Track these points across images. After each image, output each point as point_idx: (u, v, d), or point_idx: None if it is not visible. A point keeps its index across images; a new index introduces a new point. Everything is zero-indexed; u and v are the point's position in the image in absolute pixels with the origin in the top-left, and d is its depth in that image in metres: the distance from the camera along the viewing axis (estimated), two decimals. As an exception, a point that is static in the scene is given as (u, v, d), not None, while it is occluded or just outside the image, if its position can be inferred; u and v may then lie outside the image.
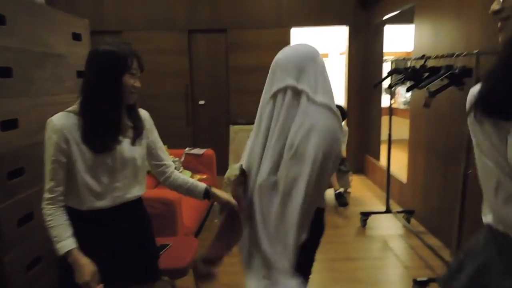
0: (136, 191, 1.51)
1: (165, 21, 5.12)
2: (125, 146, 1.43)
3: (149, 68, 5.58)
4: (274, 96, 1.35)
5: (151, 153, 1.57)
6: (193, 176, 3.87)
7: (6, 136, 1.78)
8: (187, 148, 4.14)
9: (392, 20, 4.58)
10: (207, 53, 5.30)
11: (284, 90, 1.32)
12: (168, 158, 1.64)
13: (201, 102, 5.36)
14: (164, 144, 4.18)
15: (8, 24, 1.81)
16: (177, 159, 3.86)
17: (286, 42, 5.13)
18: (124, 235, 1.48)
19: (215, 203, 4.06)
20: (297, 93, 1.30)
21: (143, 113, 1.58)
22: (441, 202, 3.21)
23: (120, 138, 1.42)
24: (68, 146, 1.33)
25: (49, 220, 1.33)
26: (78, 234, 1.36)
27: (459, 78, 2.38)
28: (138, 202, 1.56)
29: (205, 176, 3.90)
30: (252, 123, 5.11)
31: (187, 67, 5.22)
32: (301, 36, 6.69)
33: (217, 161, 4.20)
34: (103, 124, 1.36)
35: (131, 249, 1.50)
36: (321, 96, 1.29)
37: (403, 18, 4.18)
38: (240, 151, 4.48)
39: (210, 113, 5.40)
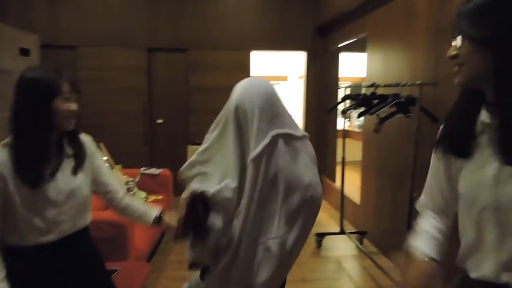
0: (84, 220, 1.46)
1: (124, 38, 5.05)
2: (66, 177, 1.37)
3: (106, 85, 5.53)
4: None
5: (96, 180, 1.51)
6: (148, 197, 3.76)
7: None
8: (142, 168, 4.03)
9: (347, 48, 4.81)
10: (167, 72, 5.27)
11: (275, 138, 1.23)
12: (115, 183, 1.57)
13: (160, 121, 5.28)
14: (119, 163, 4.07)
15: None
16: (131, 179, 3.74)
17: (246, 64, 5.22)
18: (73, 266, 1.41)
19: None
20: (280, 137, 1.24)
21: (85, 138, 1.52)
22: (392, 224, 3.33)
23: (59, 168, 1.35)
24: (4, 183, 1.25)
25: None
26: (22, 271, 1.28)
27: (405, 106, 2.53)
28: (85, 230, 1.50)
29: (160, 197, 3.81)
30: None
31: (146, 85, 5.14)
32: (261, 59, 6.86)
33: (174, 182, 4.12)
34: (33, 155, 1.29)
35: (81, 279, 1.43)
36: (295, 128, 1.29)
37: (357, 47, 4.41)
38: (198, 172, 4.42)
39: (168, 132, 5.32)
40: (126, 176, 3.74)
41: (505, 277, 0.88)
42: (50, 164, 1.33)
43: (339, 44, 4.74)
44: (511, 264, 0.87)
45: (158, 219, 1.56)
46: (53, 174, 1.33)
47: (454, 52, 0.90)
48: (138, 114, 5.15)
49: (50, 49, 4.83)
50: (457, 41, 0.90)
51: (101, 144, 3.82)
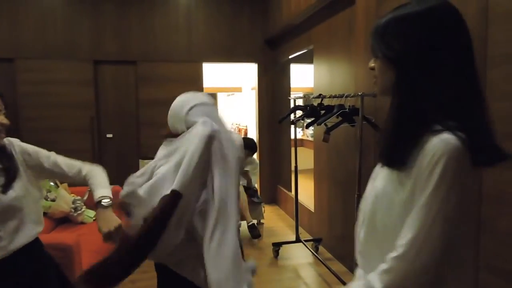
0: (24, 238, 1.36)
1: (67, 50, 4.84)
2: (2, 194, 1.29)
3: (50, 100, 5.24)
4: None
5: (54, 173, 1.42)
6: (98, 216, 3.59)
7: None
8: (91, 186, 3.85)
9: (297, 60, 4.96)
10: (115, 85, 5.11)
11: None
12: (74, 164, 1.53)
13: (109, 136, 5.10)
14: (66, 180, 3.84)
15: None
16: (79, 198, 3.56)
17: (198, 76, 5.21)
18: (24, 282, 1.33)
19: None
20: None
21: (13, 143, 1.43)
22: (344, 230, 3.44)
23: None
24: None
25: None
26: None
27: (350, 116, 2.65)
28: (33, 245, 1.41)
29: (111, 215, 3.65)
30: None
31: (93, 99, 4.95)
32: (215, 70, 6.87)
33: (125, 198, 3.98)
34: None
35: None
36: None
37: (307, 58, 4.56)
38: (151, 187, 4.31)
39: (118, 147, 5.14)
40: (73, 194, 3.55)
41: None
42: None
43: (288, 56, 4.87)
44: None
45: (98, 203, 1.49)
46: None
47: (371, 65, 0.97)
48: (85, 129, 4.94)
49: (-16, 62, 4.52)
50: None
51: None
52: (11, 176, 1.34)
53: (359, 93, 2.38)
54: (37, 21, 4.74)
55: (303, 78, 6.59)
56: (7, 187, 1.32)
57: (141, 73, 5.05)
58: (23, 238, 1.35)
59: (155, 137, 5.02)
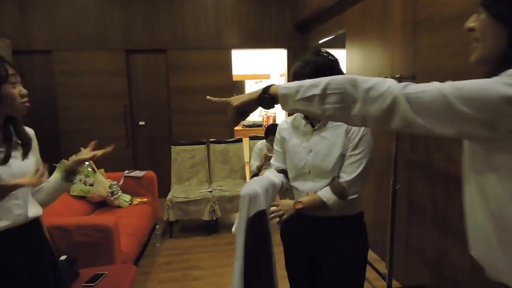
0: (36, 209, 1.44)
1: (100, 41, 4.96)
2: (18, 162, 1.37)
3: (84, 90, 5.42)
4: None
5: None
6: (133, 200, 3.72)
7: None
8: (126, 171, 3.98)
9: (327, 45, 4.85)
10: (147, 73, 5.21)
11: None
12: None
13: (141, 123, 5.22)
14: (102, 167, 4.01)
15: None
16: (115, 182, 3.69)
17: (227, 63, 5.21)
18: (23, 260, 1.38)
19: (157, 226, 3.91)
20: None
21: (30, 131, 1.50)
22: (377, 217, 3.39)
23: (11, 153, 1.34)
24: None
25: None
26: None
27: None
28: (38, 221, 1.48)
29: (145, 199, 3.77)
30: (194, 143, 5.11)
31: (126, 88, 5.07)
32: (243, 57, 6.86)
33: (159, 183, 4.09)
34: None
35: (32, 275, 1.40)
36: None
37: (337, 43, 4.45)
38: (182, 172, 4.41)
39: (150, 134, 5.26)
40: (109, 180, 3.68)
41: None
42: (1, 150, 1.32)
43: (318, 41, 4.78)
44: None
45: (66, 175, 1.52)
46: (6, 159, 1.32)
47: (471, 24, 0.85)
48: (119, 117, 5.08)
49: (23, 55, 4.71)
50: (478, 12, 0.85)
51: (82, 149, 3.74)
52: (28, 147, 1.41)
53: (396, 76, 2.30)
54: (72, 14, 4.87)
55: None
56: (25, 155, 1.40)
57: (171, 61, 5.12)
58: (33, 210, 1.42)
59: (186, 124, 5.15)
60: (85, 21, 4.91)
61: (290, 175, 1.54)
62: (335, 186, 1.42)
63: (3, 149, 1.34)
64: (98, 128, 5.00)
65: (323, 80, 0.91)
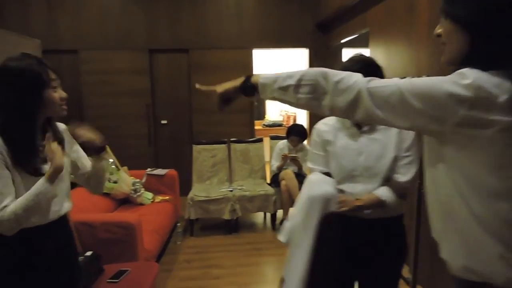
0: (68, 204, 1.48)
1: (124, 40, 5.05)
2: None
3: (108, 88, 5.54)
4: None
5: (76, 165, 1.54)
6: (155, 197, 3.78)
7: None
8: (148, 169, 4.04)
9: (350, 44, 4.79)
10: (169, 72, 5.28)
11: None
12: (89, 165, 1.60)
13: (164, 122, 5.29)
14: (125, 165, 4.08)
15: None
16: (138, 180, 3.76)
17: (248, 63, 5.22)
18: (53, 254, 1.42)
19: (178, 224, 3.95)
20: None
21: (61, 126, 1.54)
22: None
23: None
24: (4, 161, 1.28)
25: (17, 208, 1.25)
26: (10, 254, 1.32)
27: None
28: (66, 218, 1.52)
29: (167, 197, 3.82)
30: (215, 142, 5.11)
31: (149, 87, 5.15)
32: (264, 56, 6.85)
33: (180, 181, 4.13)
34: (23, 143, 1.31)
35: (59, 269, 1.44)
36: None
37: (360, 42, 4.39)
38: (203, 171, 4.45)
39: (172, 133, 5.33)
40: (132, 177, 3.75)
41: None
42: (40, 149, 1.36)
43: (341, 40, 4.73)
44: None
45: (95, 150, 1.53)
46: (46, 158, 1.35)
47: (438, 31, 0.92)
48: (142, 116, 5.16)
49: (51, 54, 4.85)
50: (442, 19, 0.91)
51: (106, 146, 3.82)
52: (62, 145, 1.44)
53: (424, 76, 2.25)
54: (98, 15, 4.99)
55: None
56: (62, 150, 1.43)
57: (193, 61, 5.16)
58: (67, 207, 1.48)
59: (207, 123, 5.19)
60: (110, 21, 5.01)
61: (336, 177, 1.50)
62: (395, 186, 1.44)
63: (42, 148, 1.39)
64: (121, 126, 5.10)
65: (298, 72, 0.99)
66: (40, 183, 1.29)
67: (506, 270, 0.80)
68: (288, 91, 0.99)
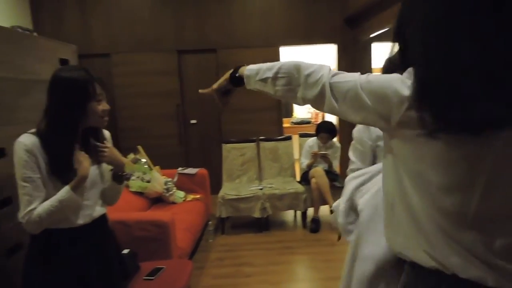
0: (100, 210, 1.55)
1: (153, 42, 5.16)
2: (93, 166, 1.48)
3: (139, 90, 5.66)
4: None
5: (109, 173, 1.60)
6: (187, 196, 3.84)
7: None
8: (179, 168, 4.12)
9: (379, 38, 4.67)
10: (198, 72, 5.34)
11: None
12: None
13: (193, 122, 5.37)
14: (157, 164, 4.16)
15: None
16: (170, 179, 3.83)
17: (276, 60, 5.15)
18: (91, 254, 1.50)
19: (210, 222, 3.99)
20: None
21: (106, 134, 1.62)
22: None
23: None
24: (37, 164, 1.35)
25: (42, 212, 1.32)
26: (46, 256, 1.40)
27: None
28: (102, 220, 1.58)
29: (198, 196, 3.87)
30: (244, 141, 5.12)
31: (178, 87, 5.24)
32: (291, 54, 6.81)
33: (210, 180, 4.18)
34: (61, 148, 1.38)
35: (98, 267, 1.51)
36: None
37: (390, 36, 4.27)
38: (233, 170, 4.48)
39: (202, 132, 5.40)
40: (164, 176, 3.83)
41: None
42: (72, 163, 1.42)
43: (370, 34, 4.62)
44: None
45: (117, 177, 1.58)
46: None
47: None
48: (172, 116, 5.26)
49: (85, 59, 5.02)
50: None
51: (139, 147, 3.93)
52: (99, 151, 1.52)
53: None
54: (128, 19, 5.12)
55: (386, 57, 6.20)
56: (100, 162, 1.53)
57: (221, 60, 5.20)
58: (98, 211, 1.55)
59: (236, 122, 5.21)
60: (140, 25, 5.13)
61: None
62: None
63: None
64: (152, 126, 5.22)
65: (276, 65, 1.02)
66: (64, 191, 1.35)
67: (430, 261, 0.84)
68: (267, 83, 1.04)
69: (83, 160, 1.40)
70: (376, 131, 1.55)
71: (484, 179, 0.75)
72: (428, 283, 0.85)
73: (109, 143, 1.60)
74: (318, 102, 0.94)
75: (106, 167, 1.57)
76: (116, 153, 1.54)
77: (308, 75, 0.95)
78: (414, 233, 0.85)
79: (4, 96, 1.89)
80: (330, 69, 0.95)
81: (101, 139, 1.54)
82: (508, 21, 0.69)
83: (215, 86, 1.21)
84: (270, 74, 1.03)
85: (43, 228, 1.36)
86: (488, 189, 0.75)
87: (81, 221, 1.46)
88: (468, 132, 0.72)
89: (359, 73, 0.91)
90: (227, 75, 1.17)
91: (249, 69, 1.10)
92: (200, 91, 1.31)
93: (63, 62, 2.38)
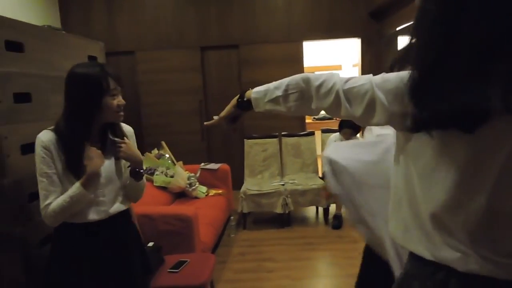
0: (118, 207, 1.55)
1: (176, 39, 5.22)
2: (108, 162, 1.49)
3: (163, 87, 5.74)
4: None
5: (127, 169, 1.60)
6: (209, 191, 3.88)
7: (26, 160, 1.82)
8: (202, 164, 4.17)
9: (405, 31, 4.56)
10: (220, 69, 5.37)
11: None
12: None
13: (215, 117, 5.39)
14: (179, 160, 4.23)
15: (26, 51, 1.88)
16: (192, 174, 3.89)
17: (299, 56, 5.16)
18: (108, 249, 1.51)
19: (231, 217, 4.02)
20: None
21: (128, 129, 1.62)
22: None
23: (103, 153, 1.47)
24: (53, 160, 1.39)
25: (56, 207, 1.36)
26: (64, 248, 1.46)
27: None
28: (122, 217, 1.59)
29: (220, 191, 3.91)
30: (266, 136, 5.12)
31: (201, 84, 5.29)
32: (313, 48, 6.74)
33: (232, 176, 4.21)
34: (75, 141, 1.41)
35: (115, 263, 1.53)
36: None
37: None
38: (255, 165, 4.49)
39: (224, 128, 5.42)
40: (187, 172, 3.89)
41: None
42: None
43: (396, 27, 4.51)
44: None
45: (134, 173, 1.57)
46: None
47: None
48: (195, 112, 5.32)
49: (112, 56, 5.14)
50: None
51: (163, 142, 4.00)
52: (117, 147, 1.52)
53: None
54: (152, 16, 5.20)
55: (411, 51, 6.04)
56: (117, 158, 1.52)
57: (243, 56, 5.21)
58: (117, 207, 1.54)
59: (258, 117, 5.21)
60: (163, 22, 5.20)
61: None
62: None
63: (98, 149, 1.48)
64: (176, 122, 5.29)
65: (284, 82, 1.03)
66: (75, 187, 1.38)
67: (429, 255, 0.84)
68: (278, 102, 1.05)
69: (94, 156, 1.40)
70: (376, 130, 1.56)
71: (492, 177, 0.74)
72: (426, 271, 0.85)
73: (131, 139, 1.60)
74: (333, 110, 0.95)
75: (125, 164, 1.57)
76: (133, 149, 1.53)
77: (320, 86, 0.95)
78: (415, 228, 0.87)
79: (37, 92, 1.96)
80: (340, 76, 0.95)
81: (121, 134, 1.54)
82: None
83: (222, 114, 1.22)
84: (279, 92, 1.03)
85: (59, 222, 1.41)
86: (495, 188, 0.74)
87: (96, 216, 1.47)
88: (460, 127, 0.71)
89: (371, 74, 0.90)
90: (234, 101, 1.17)
91: (256, 92, 1.10)
92: (205, 123, 1.34)
93: (92, 59, 2.45)
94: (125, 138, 1.55)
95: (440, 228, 0.82)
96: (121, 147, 1.49)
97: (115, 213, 1.53)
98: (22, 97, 1.84)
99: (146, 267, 1.73)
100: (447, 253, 0.81)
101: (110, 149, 1.51)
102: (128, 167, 1.56)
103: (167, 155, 3.84)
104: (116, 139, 1.52)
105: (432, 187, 0.81)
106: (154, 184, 3.56)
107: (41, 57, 2.03)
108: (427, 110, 0.73)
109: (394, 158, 0.96)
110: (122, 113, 1.48)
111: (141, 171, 1.56)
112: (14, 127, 1.80)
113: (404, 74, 0.81)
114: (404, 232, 0.91)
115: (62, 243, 1.48)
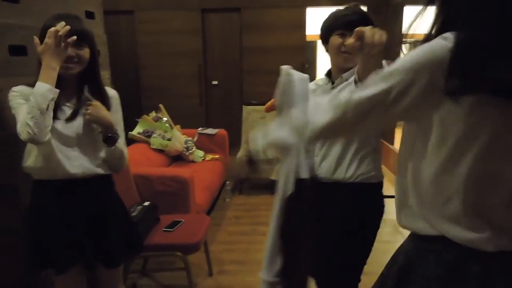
0: (96, 169, 1.49)
1: (177, 0, 5.06)
2: (80, 119, 1.45)
3: (162, 49, 5.62)
4: None
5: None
6: (206, 156, 3.90)
7: (23, 113, 1.80)
8: (200, 128, 4.16)
9: (412, 1, 4.43)
10: (221, 33, 5.25)
11: None
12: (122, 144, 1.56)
13: (214, 83, 5.35)
14: (177, 123, 4.21)
15: (21, 3, 1.82)
16: (190, 138, 3.89)
17: (302, 22, 5.03)
18: (84, 211, 1.48)
19: (227, 182, 4.05)
20: None
21: (112, 92, 1.57)
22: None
23: (79, 110, 1.45)
24: (26, 100, 1.35)
25: (25, 114, 1.29)
26: (46, 203, 1.45)
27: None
28: (104, 183, 1.56)
29: (217, 156, 3.93)
30: (265, 103, 5.01)
31: (200, 47, 5.19)
32: (317, 16, 6.56)
33: (230, 141, 4.22)
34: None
35: (91, 229, 1.50)
36: None
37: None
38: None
39: (223, 94, 5.39)
40: (184, 136, 3.89)
41: None
42: (70, 105, 1.45)
43: (403, -4, 4.38)
44: None
45: (105, 138, 1.48)
46: (73, 116, 1.43)
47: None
48: (193, 76, 5.25)
49: (110, 15, 4.99)
50: None
51: (161, 105, 3.97)
52: (76, 109, 1.46)
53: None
54: (152, -27, 5.01)
55: (418, 22, 5.91)
56: (71, 119, 1.45)
57: (245, 21, 5.08)
58: (93, 169, 1.48)
59: (258, 84, 5.16)
60: (164, -19, 5.03)
61: None
62: None
63: (70, 105, 1.45)
64: (174, 86, 5.24)
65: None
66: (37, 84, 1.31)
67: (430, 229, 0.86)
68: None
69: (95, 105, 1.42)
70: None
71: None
72: (424, 246, 0.87)
73: (114, 102, 1.54)
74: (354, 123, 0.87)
75: (97, 127, 1.49)
76: (103, 112, 1.43)
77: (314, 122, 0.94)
78: (419, 206, 0.87)
79: (33, 46, 1.92)
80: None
81: (98, 93, 1.49)
82: None
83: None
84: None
85: (34, 135, 1.27)
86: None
87: (70, 169, 1.42)
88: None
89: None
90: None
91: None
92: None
93: (89, 14, 2.37)
94: (94, 101, 1.46)
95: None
96: (87, 109, 1.42)
97: (91, 174, 1.47)
98: (18, 50, 1.80)
99: (132, 243, 1.65)
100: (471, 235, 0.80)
101: (83, 107, 1.46)
102: (100, 132, 1.48)
103: (165, 118, 3.83)
104: (89, 98, 1.46)
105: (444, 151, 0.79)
106: (151, 146, 3.57)
107: (37, 9, 1.96)
108: (482, 79, 0.69)
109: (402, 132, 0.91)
110: (71, 65, 1.39)
111: (114, 136, 1.47)
112: (9, 79, 1.77)
113: (431, 44, 0.75)
114: (413, 218, 0.91)
115: (38, 199, 1.47)
